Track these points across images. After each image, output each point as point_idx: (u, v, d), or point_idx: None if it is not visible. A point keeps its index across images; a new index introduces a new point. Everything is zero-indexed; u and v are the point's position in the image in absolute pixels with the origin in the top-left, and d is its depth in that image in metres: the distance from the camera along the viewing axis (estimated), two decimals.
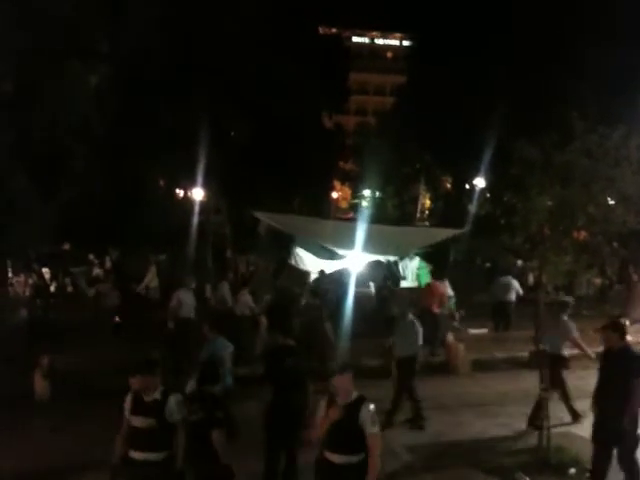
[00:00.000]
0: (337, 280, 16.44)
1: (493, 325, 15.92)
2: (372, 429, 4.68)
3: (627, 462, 6.33)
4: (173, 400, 5.21)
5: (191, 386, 5.83)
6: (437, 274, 17.65)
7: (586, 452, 7.57)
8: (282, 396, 6.37)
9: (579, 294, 19.97)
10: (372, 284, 18.74)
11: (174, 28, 15.30)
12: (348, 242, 13.96)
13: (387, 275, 16.07)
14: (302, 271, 18.38)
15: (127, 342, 13.53)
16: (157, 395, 5.23)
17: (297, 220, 17.59)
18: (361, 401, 4.79)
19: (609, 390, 6.36)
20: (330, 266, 17.99)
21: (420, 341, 9.21)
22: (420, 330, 9.25)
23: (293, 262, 19.86)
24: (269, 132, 21.08)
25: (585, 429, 8.59)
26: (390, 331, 13.89)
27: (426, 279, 19.18)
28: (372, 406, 4.74)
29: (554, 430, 7.27)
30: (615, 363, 6.42)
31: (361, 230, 13.75)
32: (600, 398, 6.49)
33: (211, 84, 17.43)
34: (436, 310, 13.96)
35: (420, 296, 15.02)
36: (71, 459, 7.65)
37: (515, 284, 15.73)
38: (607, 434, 6.30)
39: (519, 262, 19.16)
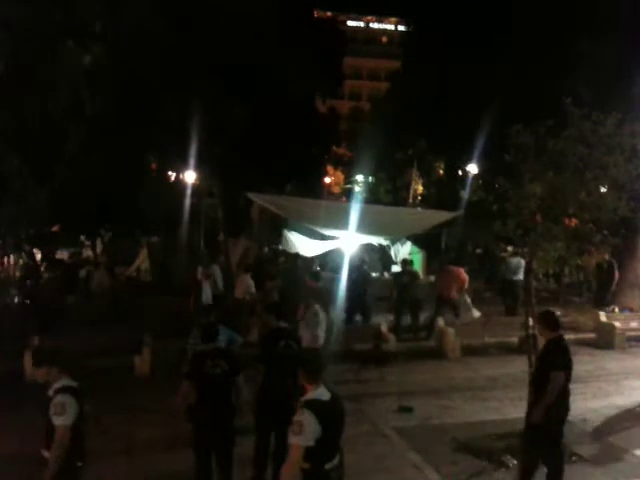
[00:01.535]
0: (332, 263, 16.47)
1: (505, 306, 15.94)
2: (290, 438, 4.19)
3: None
4: (56, 400, 4.73)
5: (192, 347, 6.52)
6: (430, 260, 17.69)
7: (572, 437, 7.69)
8: (273, 379, 6.41)
9: (568, 281, 20.18)
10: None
11: (170, 10, 15.13)
12: (341, 222, 13.94)
13: (406, 260, 16.05)
14: (295, 254, 18.41)
15: (118, 324, 13.55)
16: (52, 391, 4.83)
17: (290, 201, 17.53)
18: (300, 405, 4.28)
19: (536, 384, 6.14)
20: (321, 247, 18.01)
21: (322, 332, 8.74)
22: (323, 321, 8.88)
23: (283, 246, 19.92)
24: (262, 116, 20.96)
25: (572, 414, 8.72)
26: (415, 315, 14.07)
27: (418, 264, 19.28)
28: (305, 415, 4.14)
29: None
30: (544, 355, 6.18)
31: (355, 210, 13.70)
32: (530, 392, 6.28)
33: (205, 68, 17.30)
34: (454, 296, 13.97)
35: (438, 280, 15.02)
36: None
37: (517, 263, 15.77)
38: (533, 431, 6.08)
39: (509, 248, 19.30)
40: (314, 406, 4.17)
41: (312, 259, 17.64)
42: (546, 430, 5.94)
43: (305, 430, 4.08)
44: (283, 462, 6.36)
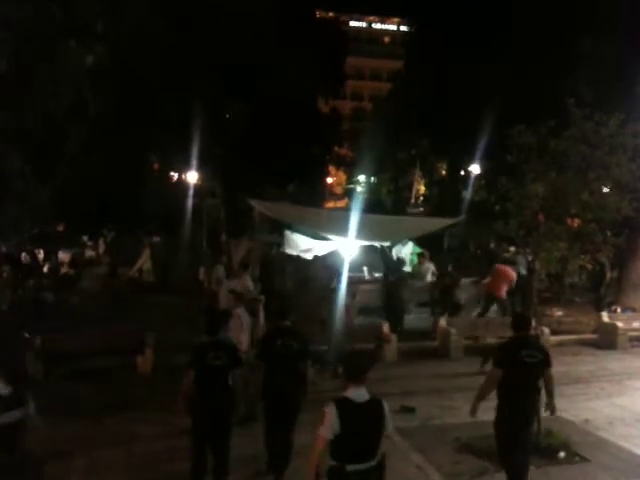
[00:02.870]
0: (330, 265, 16.41)
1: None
2: (316, 428, 4.26)
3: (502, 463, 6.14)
4: None
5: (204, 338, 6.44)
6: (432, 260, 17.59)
7: (575, 437, 7.69)
8: (273, 377, 6.50)
9: (571, 282, 20.11)
10: (365, 269, 18.77)
11: (171, 10, 15.16)
12: (342, 230, 13.92)
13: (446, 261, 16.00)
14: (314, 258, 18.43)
15: (121, 323, 13.55)
16: None
17: (290, 209, 17.52)
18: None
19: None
20: (323, 247, 17.96)
21: (246, 337, 8.62)
22: (248, 323, 8.80)
23: (286, 247, 19.87)
24: (264, 116, 20.97)
25: (574, 414, 8.72)
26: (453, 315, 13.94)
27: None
28: (329, 408, 4.22)
29: (544, 414, 7.32)
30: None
31: (355, 218, 13.68)
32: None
33: (207, 68, 17.31)
34: (503, 295, 13.80)
35: (489, 279, 14.87)
36: (63, 438, 7.67)
37: (523, 260, 15.72)
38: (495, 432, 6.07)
39: (512, 249, 19.27)
40: (340, 403, 4.24)
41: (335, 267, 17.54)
42: (504, 433, 5.92)
43: (325, 422, 4.17)
44: (285, 457, 6.44)
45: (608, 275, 15.99)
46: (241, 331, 8.47)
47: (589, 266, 15.26)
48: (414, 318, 14.66)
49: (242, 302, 8.88)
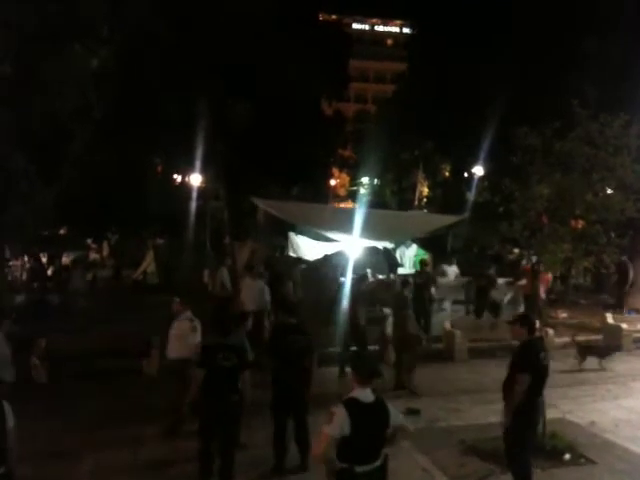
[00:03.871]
0: (336, 265, 16.43)
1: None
2: (322, 426, 4.29)
3: (510, 463, 6.12)
4: None
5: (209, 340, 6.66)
6: (436, 262, 17.64)
7: (581, 439, 7.67)
8: (282, 370, 6.68)
9: (575, 283, 20.08)
10: (369, 270, 18.79)
11: (174, 11, 15.18)
12: (346, 228, 13.92)
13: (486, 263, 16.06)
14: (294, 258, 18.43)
15: (126, 325, 13.59)
16: None
17: (294, 207, 17.53)
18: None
19: (504, 387, 6.14)
20: (327, 249, 18.00)
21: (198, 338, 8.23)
22: (199, 331, 8.41)
23: (290, 250, 19.89)
24: (268, 118, 20.97)
25: (580, 416, 8.70)
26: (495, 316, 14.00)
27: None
28: (338, 408, 4.25)
29: (549, 416, 7.30)
30: (513, 358, 6.19)
31: (360, 215, 13.67)
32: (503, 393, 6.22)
33: (208, 68, 17.32)
34: (542, 295, 13.77)
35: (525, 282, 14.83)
36: (68, 441, 7.67)
37: None
38: (506, 436, 6.05)
39: (515, 250, 19.22)
40: (350, 404, 4.26)
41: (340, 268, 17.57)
42: (514, 434, 5.89)
43: (334, 421, 4.17)
44: (305, 441, 6.60)
45: (631, 275, 15.94)
46: (191, 333, 8.13)
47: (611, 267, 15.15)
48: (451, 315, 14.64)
49: (188, 308, 8.54)
